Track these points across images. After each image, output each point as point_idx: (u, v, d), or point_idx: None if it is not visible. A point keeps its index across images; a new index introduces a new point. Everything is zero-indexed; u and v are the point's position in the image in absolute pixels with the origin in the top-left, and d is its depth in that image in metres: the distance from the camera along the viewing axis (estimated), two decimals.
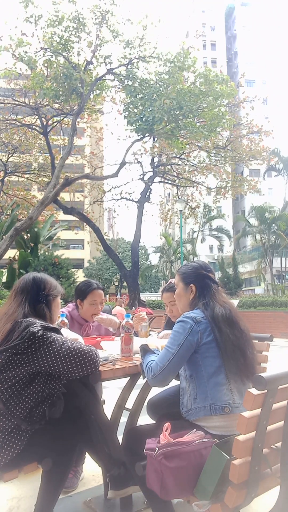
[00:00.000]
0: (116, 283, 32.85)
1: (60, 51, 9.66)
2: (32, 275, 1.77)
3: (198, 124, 10.80)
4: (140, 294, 15.06)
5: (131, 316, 2.01)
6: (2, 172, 13.90)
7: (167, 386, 2.20)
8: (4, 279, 12.35)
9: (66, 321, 2.10)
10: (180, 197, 15.91)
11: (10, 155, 13.89)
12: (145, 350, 1.71)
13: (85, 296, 2.40)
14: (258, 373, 1.53)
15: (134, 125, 9.78)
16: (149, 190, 14.71)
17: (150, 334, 2.32)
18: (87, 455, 2.24)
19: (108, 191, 15.27)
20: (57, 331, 1.59)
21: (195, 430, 1.43)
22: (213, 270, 1.81)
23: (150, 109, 9.35)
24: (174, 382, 2.07)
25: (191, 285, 1.69)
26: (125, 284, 20.01)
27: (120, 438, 1.87)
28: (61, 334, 1.61)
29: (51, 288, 1.75)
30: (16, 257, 12.77)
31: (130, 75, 10.13)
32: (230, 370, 1.47)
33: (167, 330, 2.22)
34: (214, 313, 1.54)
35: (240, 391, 1.47)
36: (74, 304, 2.54)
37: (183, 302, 1.73)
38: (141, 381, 2.03)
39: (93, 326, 2.55)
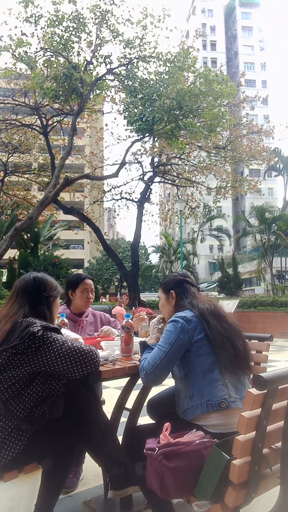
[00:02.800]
0: (116, 283, 32.86)
1: (60, 51, 9.65)
2: (32, 275, 1.76)
3: (198, 124, 10.79)
4: (140, 294, 15.06)
5: (131, 316, 2.01)
6: (2, 172, 13.90)
7: (167, 386, 2.20)
8: (4, 279, 12.35)
9: (66, 321, 2.11)
10: (180, 197, 15.90)
11: (10, 155, 13.89)
12: (144, 346, 1.72)
13: (76, 285, 2.49)
14: (252, 367, 1.58)
15: (134, 125, 9.77)
16: (149, 190, 14.71)
17: (149, 334, 2.32)
18: (87, 455, 2.24)
19: (108, 191, 15.28)
20: (57, 331, 1.59)
21: (195, 430, 1.43)
22: (191, 276, 1.92)
23: (150, 109, 9.34)
24: (174, 381, 2.07)
25: (171, 291, 1.78)
26: (125, 284, 20.01)
27: (120, 438, 1.87)
28: (61, 334, 1.61)
29: (52, 289, 1.74)
30: (16, 257, 12.77)
31: (130, 75, 10.12)
32: (223, 365, 1.49)
33: None
34: (200, 309, 1.60)
35: (235, 386, 1.49)
36: (63, 304, 2.60)
37: (167, 310, 1.80)
38: (141, 381, 2.03)
39: (87, 321, 2.58)
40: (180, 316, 1.58)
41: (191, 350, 1.53)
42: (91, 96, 10.79)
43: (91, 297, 2.53)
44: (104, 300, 25.05)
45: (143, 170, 14.57)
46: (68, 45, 9.76)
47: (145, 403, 2.13)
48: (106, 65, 10.48)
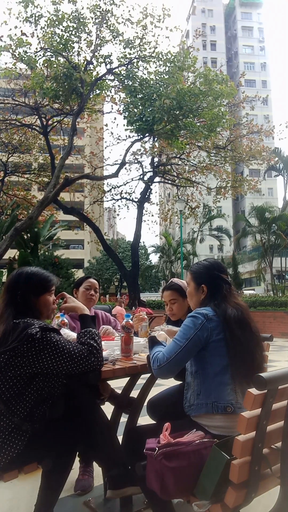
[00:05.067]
0: (116, 283, 32.86)
1: (60, 51, 9.65)
2: (19, 271, 1.71)
3: (198, 124, 10.80)
4: (140, 294, 15.05)
5: (131, 316, 2.01)
6: (2, 172, 13.89)
7: (166, 386, 2.20)
8: (4, 279, 12.33)
9: (66, 321, 2.10)
10: (180, 197, 15.89)
11: (10, 155, 13.87)
12: (153, 342, 1.70)
13: (80, 283, 2.55)
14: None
15: (134, 125, 9.78)
16: (149, 190, 14.71)
17: (149, 334, 2.32)
18: None
19: (108, 191, 15.28)
20: (56, 331, 1.59)
21: (195, 430, 1.43)
22: (226, 270, 1.77)
23: (150, 109, 9.35)
24: (175, 382, 2.07)
25: (203, 285, 1.68)
26: (125, 284, 20.01)
27: (120, 438, 1.87)
28: (61, 334, 1.61)
29: (40, 285, 1.69)
30: (16, 257, 12.75)
31: (130, 75, 10.13)
32: (237, 372, 1.46)
33: (172, 326, 2.21)
34: (226, 315, 1.53)
35: (244, 393, 1.46)
36: None
37: (194, 301, 1.73)
38: (141, 381, 2.03)
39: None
40: (201, 313, 1.54)
41: (206, 348, 1.50)
42: (91, 96, 10.80)
43: (94, 295, 2.55)
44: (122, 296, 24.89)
45: (143, 170, 14.58)
46: (68, 45, 9.76)
47: (145, 403, 2.13)
48: (106, 65, 10.49)
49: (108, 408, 2.02)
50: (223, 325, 1.50)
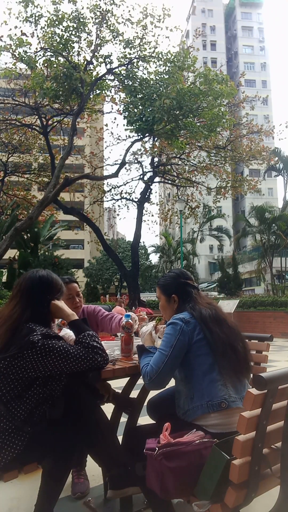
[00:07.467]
0: (116, 283, 32.85)
1: (60, 51, 9.65)
2: (38, 274, 1.68)
3: (198, 124, 10.79)
4: (140, 294, 15.05)
5: (131, 316, 2.01)
6: (2, 172, 13.89)
7: (167, 386, 2.20)
8: (4, 279, 12.34)
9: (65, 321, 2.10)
10: (180, 197, 15.89)
11: (10, 155, 13.88)
12: (142, 350, 1.72)
13: None
14: (252, 368, 1.58)
15: (134, 125, 9.77)
16: (149, 190, 14.70)
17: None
18: (88, 457, 2.24)
19: (108, 191, 15.28)
20: (58, 338, 1.58)
21: (195, 430, 1.43)
22: (191, 276, 1.87)
23: (150, 109, 9.34)
24: (174, 382, 2.07)
25: (173, 295, 1.75)
26: (125, 284, 20.00)
27: (120, 438, 1.87)
28: (63, 340, 1.60)
29: (56, 290, 1.71)
30: (16, 257, 12.76)
31: (130, 75, 10.13)
32: (223, 367, 1.49)
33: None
34: (202, 315, 1.59)
35: (235, 386, 1.49)
36: None
37: (168, 312, 1.79)
38: (141, 381, 2.03)
39: None
40: (178, 318, 1.59)
41: (190, 351, 1.53)
42: (91, 96, 10.79)
43: (78, 302, 2.39)
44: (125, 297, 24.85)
45: (143, 170, 14.58)
46: (68, 45, 9.75)
47: (145, 403, 2.13)
48: (106, 65, 10.48)
49: (108, 408, 2.02)
50: (201, 325, 1.55)
